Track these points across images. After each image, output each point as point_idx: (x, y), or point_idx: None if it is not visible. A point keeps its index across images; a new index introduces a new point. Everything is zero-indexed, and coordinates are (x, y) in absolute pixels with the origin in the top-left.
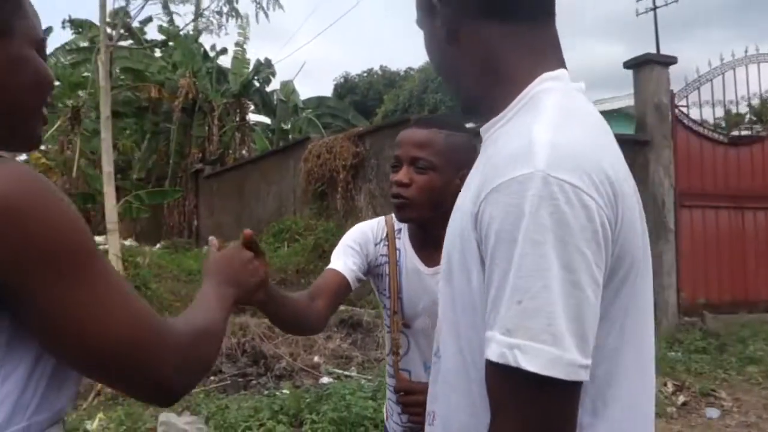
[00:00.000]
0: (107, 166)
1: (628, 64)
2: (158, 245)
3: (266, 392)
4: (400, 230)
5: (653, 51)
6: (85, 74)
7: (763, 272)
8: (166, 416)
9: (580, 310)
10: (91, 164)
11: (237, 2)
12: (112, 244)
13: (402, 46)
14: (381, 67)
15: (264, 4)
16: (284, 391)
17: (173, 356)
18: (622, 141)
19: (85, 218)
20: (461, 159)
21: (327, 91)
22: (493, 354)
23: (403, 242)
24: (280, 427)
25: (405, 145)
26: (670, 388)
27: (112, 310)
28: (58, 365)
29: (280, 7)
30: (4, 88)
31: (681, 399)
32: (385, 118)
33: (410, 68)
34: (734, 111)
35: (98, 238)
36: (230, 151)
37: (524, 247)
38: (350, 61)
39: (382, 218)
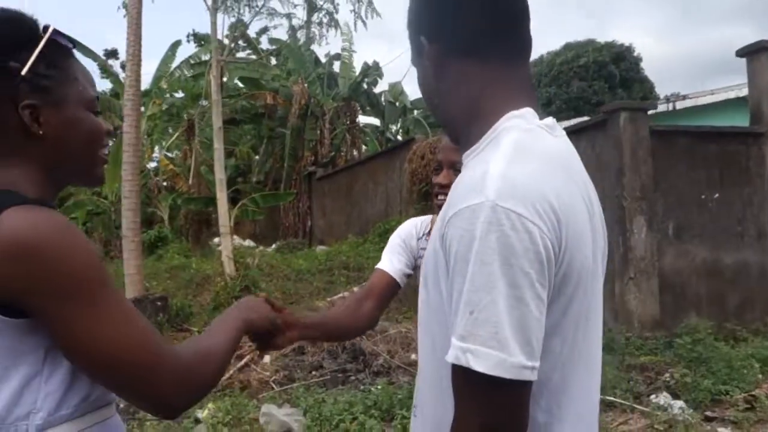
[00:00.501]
0: (219, 174)
1: (740, 53)
2: (274, 245)
3: (362, 388)
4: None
5: None
6: (203, 84)
7: None
8: (267, 407)
9: (523, 321)
10: (210, 170)
11: (337, 13)
12: (225, 246)
13: None
14: None
15: (362, 13)
16: (378, 387)
17: (171, 375)
18: (733, 134)
19: (206, 220)
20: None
21: None
22: (451, 356)
23: None
24: (371, 422)
25: (444, 151)
26: None
27: (115, 334)
28: None
29: (378, 14)
30: (65, 144)
31: None
32: None
33: None
34: None
35: (218, 239)
36: (342, 153)
37: (475, 266)
38: None
39: (429, 216)
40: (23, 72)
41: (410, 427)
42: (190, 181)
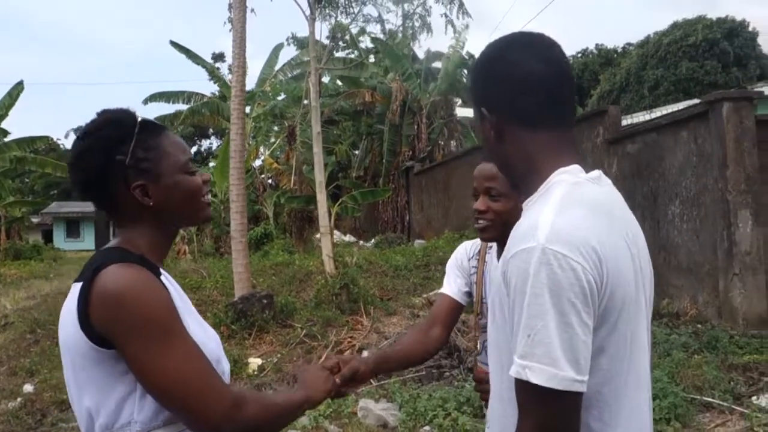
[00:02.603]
0: (319, 176)
1: None
2: (373, 240)
3: (456, 384)
4: (492, 247)
5: None
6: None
7: None
8: (365, 402)
9: (572, 342)
10: (312, 169)
11: (430, 16)
12: (325, 245)
13: (618, 22)
14: (596, 45)
15: (453, 15)
16: (471, 383)
17: (216, 410)
18: None
19: (308, 217)
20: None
21: None
22: (513, 372)
23: (492, 256)
24: (463, 418)
25: (479, 179)
26: None
27: (171, 370)
28: None
29: (469, 15)
30: (169, 206)
31: None
32: (601, 100)
33: (628, 44)
34: None
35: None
36: (440, 146)
37: (530, 298)
38: (564, 42)
39: (478, 239)
40: (127, 161)
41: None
42: (292, 181)
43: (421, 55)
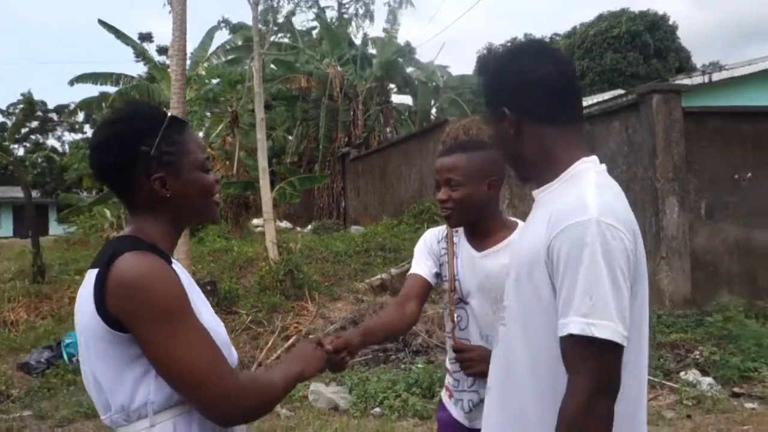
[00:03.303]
0: (262, 162)
1: None
2: (309, 226)
3: (403, 366)
4: (458, 231)
5: None
6: (239, 71)
7: None
8: (315, 386)
9: (621, 302)
10: (249, 155)
11: (373, 4)
12: (268, 231)
13: (546, 13)
14: (525, 35)
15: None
16: (419, 366)
17: (224, 393)
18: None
19: (245, 203)
20: (485, 170)
21: (470, 63)
22: (575, 328)
23: (460, 237)
24: (413, 399)
25: (439, 171)
26: None
27: (181, 354)
28: None
29: (412, 5)
30: (185, 200)
31: None
32: None
33: (556, 34)
34: None
35: (260, 220)
36: (375, 133)
37: (588, 264)
38: (493, 31)
39: (444, 225)
40: (152, 153)
41: (485, 404)
42: (234, 167)
43: (357, 41)
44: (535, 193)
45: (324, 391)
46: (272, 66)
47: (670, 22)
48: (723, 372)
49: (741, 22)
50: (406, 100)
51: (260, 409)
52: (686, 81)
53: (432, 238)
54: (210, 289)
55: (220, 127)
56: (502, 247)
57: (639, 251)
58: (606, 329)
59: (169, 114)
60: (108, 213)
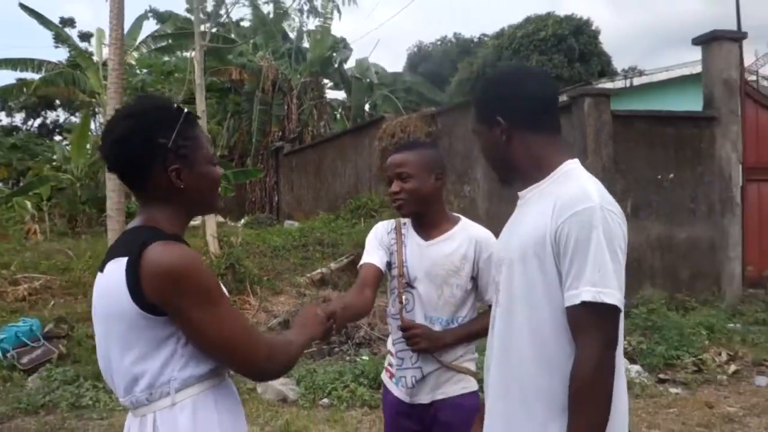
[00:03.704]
0: None
1: (696, 41)
2: (242, 220)
3: (348, 358)
4: (406, 223)
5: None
6: (173, 61)
7: None
8: None
9: (620, 275)
10: None
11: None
12: (209, 226)
13: (475, 13)
14: (455, 34)
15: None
16: (364, 357)
17: (260, 355)
18: (688, 118)
19: None
20: (431, 164)
21: (401, 60)
22: (588, 296)
23: (408, 228)
24: (361, 389)
25: (391, 167)
26: (723, 357)
27: (225, 328)
28: None
29: (355, 3)
30: (196, 192)
31: (732, 368)
32: (459, 87)
33: (484, 35)
34: None
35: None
36: (309, 128)
37: (595, 243)
38: (424, 30)
39: (393, 220)
40: (169, 145)
41: (484, 382)
42: None
43: (292, 34)
44: (522, 193)
45: (272, 383)
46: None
47: (593, 27)
48: (649, 360)
49: (657, 29)
50: (340, 95)
51: (288, 366)
52: (609, 85)
53: (382, 230)
54: None
55: None
56: (446, 237)
57: (626, 233)
58: (612, 296)
59: (185, 109)
60: (29, 205)
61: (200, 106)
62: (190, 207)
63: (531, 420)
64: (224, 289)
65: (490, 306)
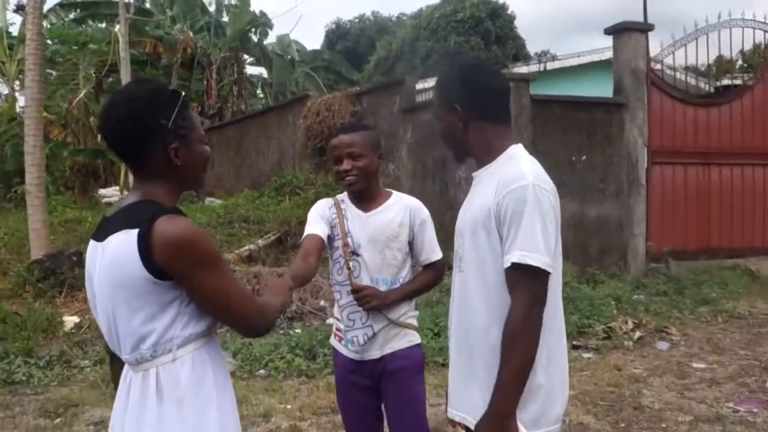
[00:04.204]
0: None
1: (608, 31)
2: None
3: (281, 332)
4: (344, 200)
5: None
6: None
7: (725, 223)
8: None
9: (549, 242)
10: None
11: None
12: None
13: None
14: (373, 12)
15: None
16: (297, 330)
17: (253, 314)
18: (599, 104)
19: (93, 173)
20: (374, 145)
21: (318, 37)
22: (515, 258)
23: (347, 203)
24: (297, 360)
25: (340, 147)
26: (629, 325)
27: (225, 290)
28: None
29: None
30: (190, 168)
31: (637, 334)
32: (378, 67)
33: (402, 14)
34: (727, 56)
35: (109, 190)
36: (229, 105)
37: (527, 215)
38: (342, 7)
39: (332, 198)
40: (169, 126)
41: (449, 339)
42: (81, 133)
43: (211, 7)
44: (475, 173)
45: None
46: (116, 28)
47: (509, 11)
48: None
49: (569, 14)
50: (261, 71)
51: (272, 324)
52: (524, 69)
53: (322, 206)
54: (76, 260)
55: (83, 90)
56: (383, 208)
57: (557, 209)
58: (537, 260)
59: (182, 93)
60: None
61: (125, 79)
62: (183, 183)
63: (482, 366)
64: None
65: (423, 266)
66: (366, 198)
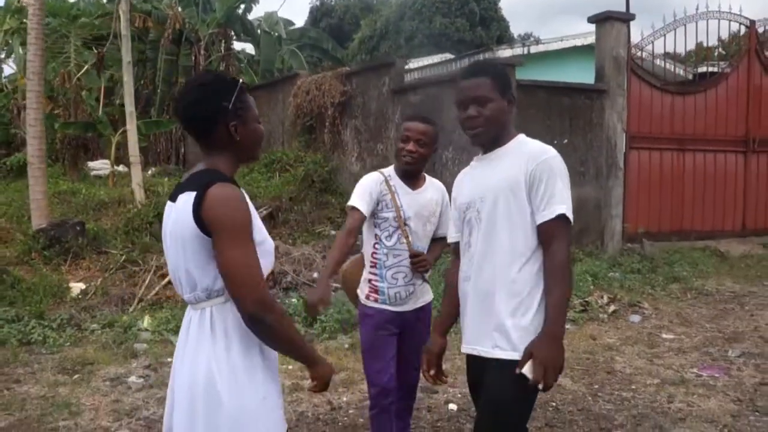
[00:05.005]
0: (130, 107)
1: (591, 19)
2: (150, 171)
3: (278, 301)
4: (390, 176)
5: None
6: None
7: (698, 206)
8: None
9: (571, 200)
10: (91, 95)
11: None
12: (135, 174)
13: None
14: None
15: None
16: (293, 300)
17: (251, 293)
18: (582, 90)
19: (83, 146)
20: (435, 140)
21: (303, 14)
22: (562, 209)
23: (395, 179)
24: (297, 326)
25: (412, 131)
26: (605, 299)
27: (236, 260)
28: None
29: None
30: (248, 144)
31: (612, 308)
32: (362, 45)
33: None
34: (705, 44)
35: (98, 163)
36: None
37: (561, 177)
38: None
39: (376, 172)
40: (230, 107)
41: (461, 293)
42: (72, 106)
43: None
44: (486, 154)
45: None
46: (104, 2)
47: None
48: None
49: None
50: (248, 48)
51: (273, 328)
52: (508, 52)
53: (373, 182)
54: (80, 230)
55: (54, 64)
56: (425, 188)
57: None
58: (570, 213)
59: (240, 80)
60: None
61: (126, 57)
62: (241, 156)
63: (503, 298)
64: (258, 232)
65: (434, 239)
66: (414, 177)
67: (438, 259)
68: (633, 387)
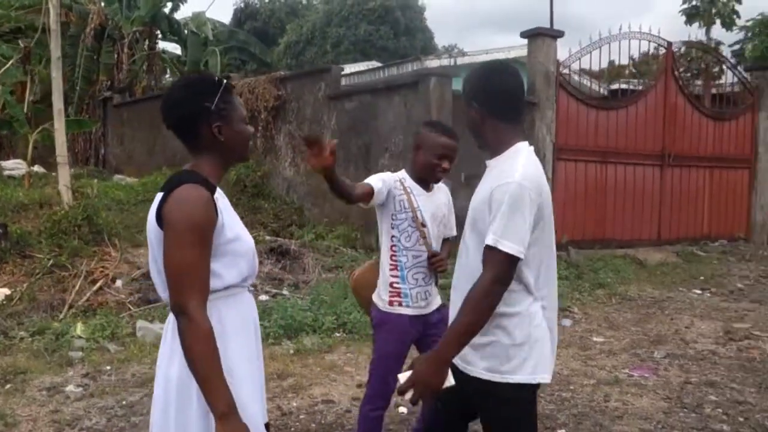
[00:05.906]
0: (58, 104)
1: (523, 35)
2: (70, 172)
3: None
4: (404, 179)
5: None
6: None
7: (618, 216)
8: (142, 323)
9: (524, 232)
10: (8, 92)
11: None
12: (62, 175)
13: None
14: None
15: None
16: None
17: (186, 297)
18: None
19: None
20: (457, 152)
21: (226, 14)
22: (490, 241)
23: (409, 182)
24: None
25: (450, 149)
26: None
27: (177, 264)
28: (233, 257)
29: None
30: (233, 145)
31: None
32: (288, 50)
33: None
34: (617, 63)
35: (10, 163)
36: (139, 80)
37: (506, 206)
38: None
39: (391, 173)
40: (212, 107)
41: (450, 300)
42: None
43: None
44: (488, 162)
45: (151, 327)
46: None
47: (420, 3)
48: None
49: (471, 10)
50: (172, 48)
51: (185, 341)
52: (435, 62)
53: (389, 177)
54: (1, 232)
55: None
56: (436, 191)
57: (544, 201)
58: (506, 246)
59: (225, 81)
60: None
61: (55, 52)
62: (227, 157)
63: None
64: (230, 229)
65: (446, 239)
66: (425, 182)
67: (448, 259)
68: (571, 387)
